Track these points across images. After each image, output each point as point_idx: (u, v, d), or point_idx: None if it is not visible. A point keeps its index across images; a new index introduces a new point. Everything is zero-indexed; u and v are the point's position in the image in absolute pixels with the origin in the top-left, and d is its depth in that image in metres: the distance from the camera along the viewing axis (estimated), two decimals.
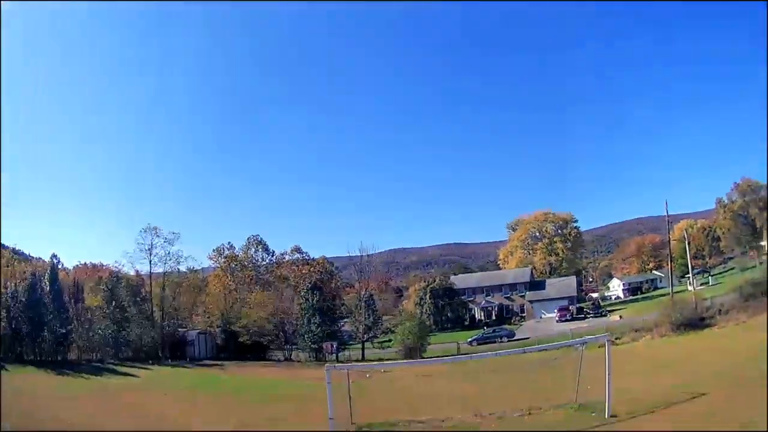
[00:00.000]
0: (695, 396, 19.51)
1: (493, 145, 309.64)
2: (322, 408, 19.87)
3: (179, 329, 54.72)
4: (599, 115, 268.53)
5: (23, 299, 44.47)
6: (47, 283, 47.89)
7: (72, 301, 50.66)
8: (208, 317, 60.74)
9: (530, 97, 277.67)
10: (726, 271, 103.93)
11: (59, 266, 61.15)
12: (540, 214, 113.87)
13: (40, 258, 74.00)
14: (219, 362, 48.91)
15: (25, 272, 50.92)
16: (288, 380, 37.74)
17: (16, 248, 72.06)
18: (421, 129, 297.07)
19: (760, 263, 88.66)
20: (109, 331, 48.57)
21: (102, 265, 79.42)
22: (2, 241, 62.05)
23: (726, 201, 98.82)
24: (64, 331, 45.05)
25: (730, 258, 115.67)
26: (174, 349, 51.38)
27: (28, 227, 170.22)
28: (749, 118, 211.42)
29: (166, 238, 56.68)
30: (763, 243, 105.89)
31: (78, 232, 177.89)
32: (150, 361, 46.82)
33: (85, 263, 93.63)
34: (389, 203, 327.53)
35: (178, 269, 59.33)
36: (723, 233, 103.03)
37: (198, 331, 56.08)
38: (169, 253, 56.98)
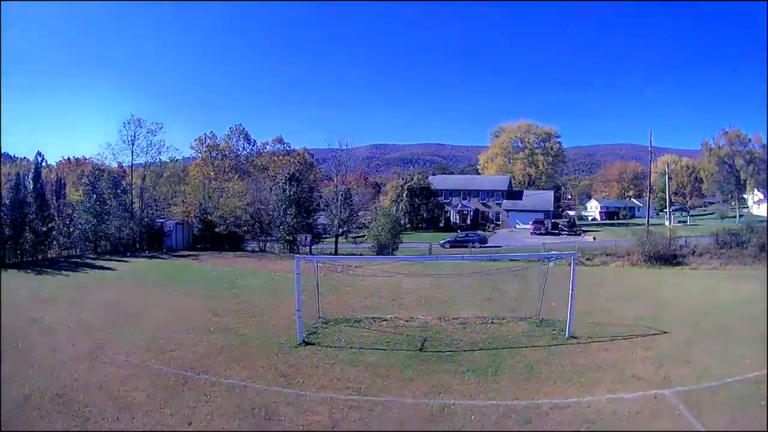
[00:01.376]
0: (657, 333, 19.66)
1: (486, 51, 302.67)
2: (290, 300, 19.87)
3: (157, 220, 53.92)
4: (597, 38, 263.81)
5: (7, 202, 42.68)
6: (31, 182, 46.11)
7: (54, 197, 49.18)
8: (187, 207, 60.10)
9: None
10: (705, 215, 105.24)
11: (43, 164, 59.62)
12: (523, 125, 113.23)
13: (25, 158, 71.67)
14: (195, 253, 48.58)
15: (9, 173, 48.75)
16: (258, 271, 37.58)
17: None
18: (412, 26, 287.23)
19: (740, 215, 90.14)
20: (89, 225, 47.75)
21: (85, 159, 76.90)
22: None
23: (713, 146, 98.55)
24: (45, 229, 44.00)
25: (711, 203, 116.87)
26: (151, 241, 50.94)
27: (12, 127, 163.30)
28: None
29: (149, 129, 54.82)
30: (746, 195, 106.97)
31: (63, 126, 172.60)
32: (128, 253, 46.53)
33: (69, 158, 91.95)
34: (375, 98, 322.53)
35: (160, 159, 57.92)
36: (706, 177, 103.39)
37: (176, 221, 55.45)
38: (151, 143, 55.29)
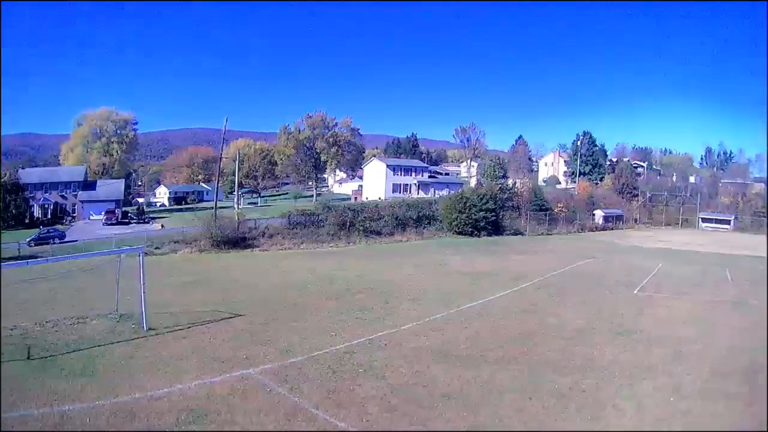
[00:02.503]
0: (232, 316, 21.44)
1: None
2: None
3: None
4: None
5: None
6: None
7: None
8: None
9: None
10: (278, 195, 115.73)
11: None
12: (105, 112, 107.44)
13: None
14: None
15: None
16: None
17: None
18: None
19: (318, 194, 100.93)
20: None
21: None
22: None
23: (292, 129, 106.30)
24: None
25: (285, 184, 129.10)
26: None
27: None
28: None
29: None
30: (327, 176, 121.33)
31: None
32: None
33: None
34: None
35: None
36: (281, 159, 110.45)
37: None
38: None
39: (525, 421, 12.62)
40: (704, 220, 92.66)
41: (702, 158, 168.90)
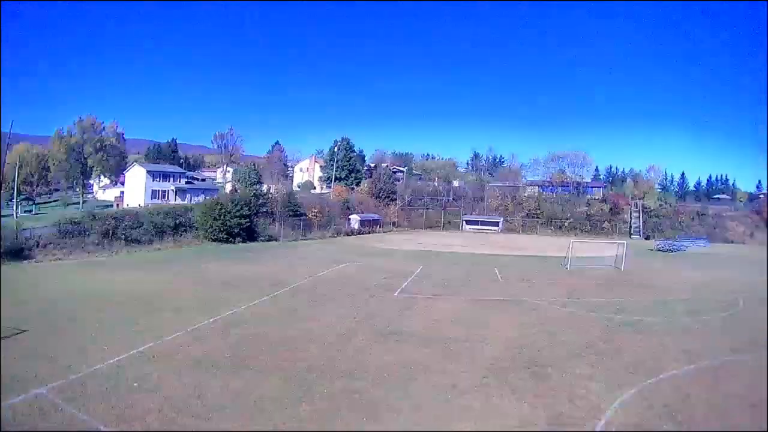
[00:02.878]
0: (18, 332, 20.37)
1: None
2: None
3: None
4: None
5: None
6: None
7: None
8: None
9: None
10: (50, 202, 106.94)
11: None
12: None
13: None
14: None
15: None
16: None
17: None
18: None
19: (85, 201, 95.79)
20: None
21: None
22: None
23: (65, 133, 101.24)
24: None
25: (57, 190, 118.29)
26: None
27: None
28: None
29: None
30: (92, 182, 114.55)
31: None
32: None
33: None
34: None
35: None
36: (54, 164, 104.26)
37: None
38: None
39: (302, 426, 13.39)
40: (469, 222, 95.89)
41: (468, 163, 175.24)
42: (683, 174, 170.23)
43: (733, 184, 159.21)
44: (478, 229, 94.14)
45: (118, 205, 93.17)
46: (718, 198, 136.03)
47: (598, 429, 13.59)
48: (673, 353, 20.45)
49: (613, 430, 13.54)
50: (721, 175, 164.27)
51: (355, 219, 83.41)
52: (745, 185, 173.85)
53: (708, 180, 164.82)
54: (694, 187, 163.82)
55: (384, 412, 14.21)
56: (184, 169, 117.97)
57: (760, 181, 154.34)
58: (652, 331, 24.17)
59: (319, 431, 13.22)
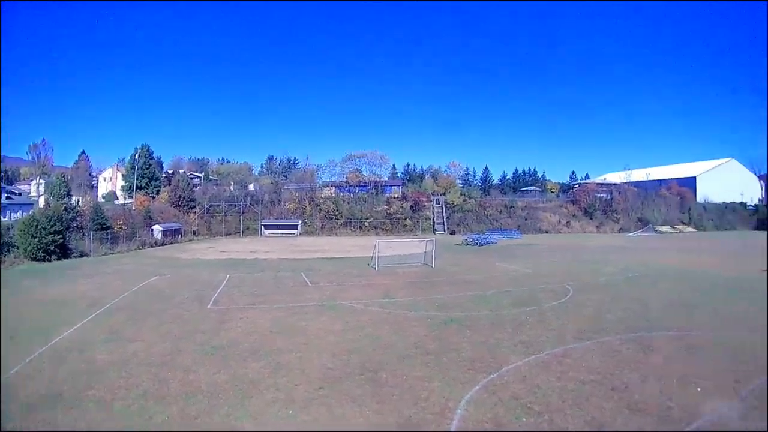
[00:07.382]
0: None
1: None
2: None
3: None
4: None
5: None
6: None
7: None
8: None
9: None
10: None
11: None
12: None
13: None
14: None
15: None
16: None
17: None
18: None
19: None
20: None
21: None
22: None
23: None
24: None
25: None
26: None
27: None
28: None
29: None
30: None
31: None
32: None
33: None
34: None
35: None
36: None
37: None
38: None
39: None
40: (267, 227, 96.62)
41: (262, 166, 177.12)
42: (486, 168, 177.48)
43: (542, 177, 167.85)
44: (278, 234, 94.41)
45: None
46: (526, 190, 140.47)
47: (453, 429, 13.43)
48: (509, 346, 20.77)
49: (471, 429, 13.48)
50: (529, 168, 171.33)
51: (157, 229, 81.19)
52: (560, 177, 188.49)
53: (514, 173, 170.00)
54: (499, 180, 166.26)
55: None
56: (5, 184, 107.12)
57: (573, 172, 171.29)
58: (481, 325, 24.39)
59: None
